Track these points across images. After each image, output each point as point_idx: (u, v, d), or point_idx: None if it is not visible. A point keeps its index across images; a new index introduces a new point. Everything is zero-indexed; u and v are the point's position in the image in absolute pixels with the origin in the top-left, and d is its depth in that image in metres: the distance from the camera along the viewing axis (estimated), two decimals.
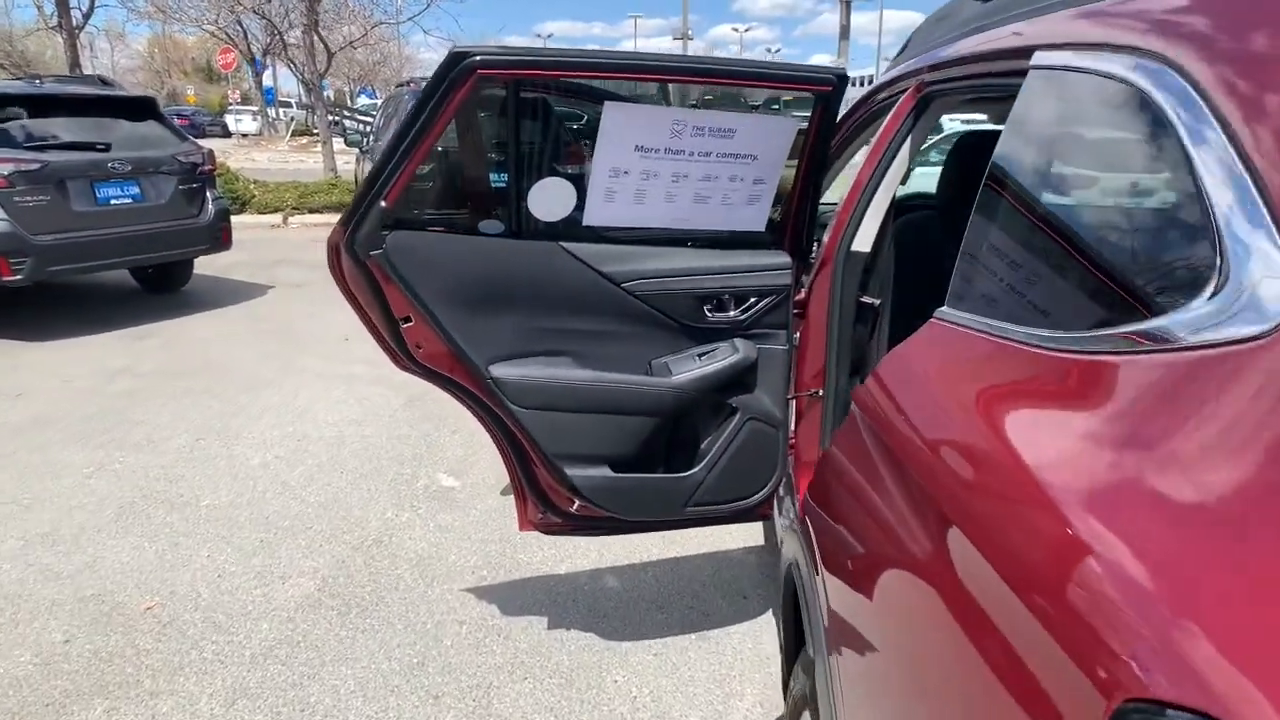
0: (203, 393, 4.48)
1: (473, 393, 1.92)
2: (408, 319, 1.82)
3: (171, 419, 4.11)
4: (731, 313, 1.98)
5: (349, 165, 12.86)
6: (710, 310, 1.97)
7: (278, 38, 15.56)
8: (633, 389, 1.90)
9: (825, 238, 2.13)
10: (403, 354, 1.88)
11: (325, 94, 15.96)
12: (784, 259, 1.99)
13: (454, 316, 1.79)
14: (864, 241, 2.05)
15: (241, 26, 23.49)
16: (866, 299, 2.13)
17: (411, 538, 3.04)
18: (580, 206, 1.81)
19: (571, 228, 1.83)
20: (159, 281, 6.63)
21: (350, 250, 1.72)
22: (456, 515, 3.20)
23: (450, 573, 2.81)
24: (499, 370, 1.84)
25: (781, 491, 2.19)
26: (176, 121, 6.50)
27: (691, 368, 1.95)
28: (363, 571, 2.81)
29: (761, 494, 2.13)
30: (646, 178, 1.79)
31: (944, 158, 2.60)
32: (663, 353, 1.99)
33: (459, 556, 2.91)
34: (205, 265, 6.86)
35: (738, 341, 1.99)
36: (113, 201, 5.47)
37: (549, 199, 1.79)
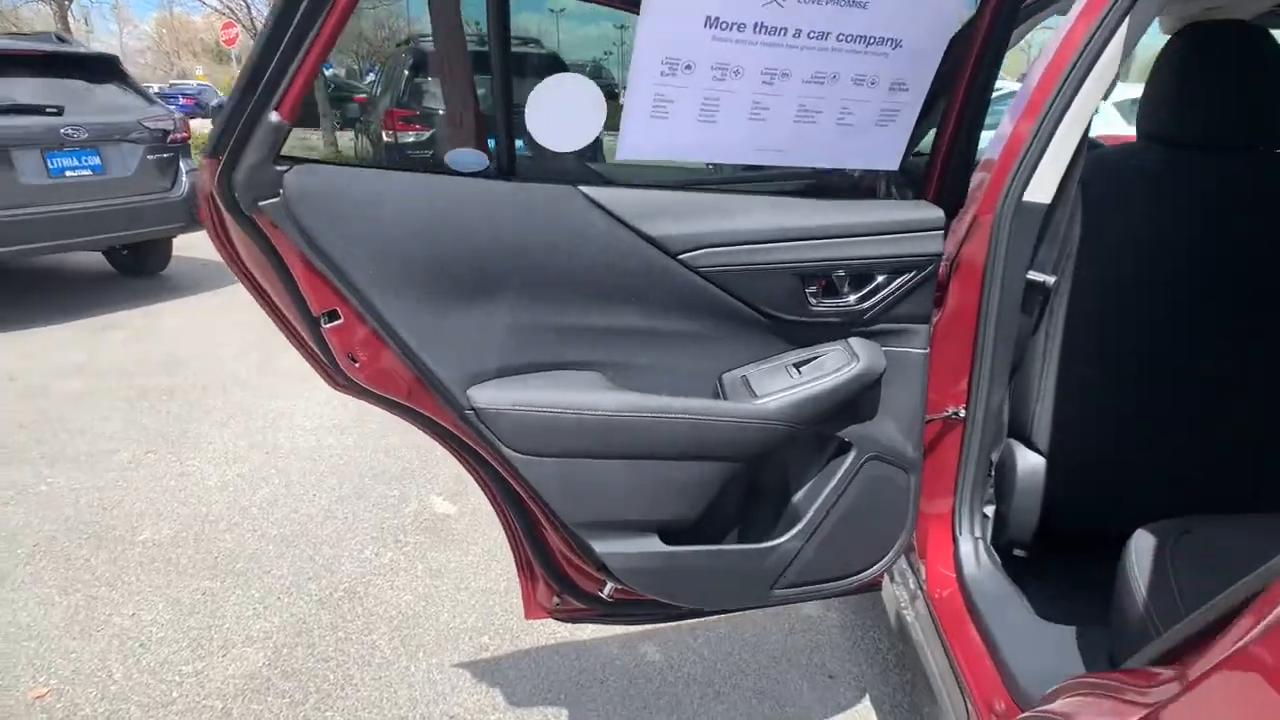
0: (163, 394, 3.84)
1: (446, 430, 1.24)
2: (334, 314, 1.13)
3: (121, 427, 3.48)
4: (848, 299, 1.29)
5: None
6: (815, 296, 1.28)
7: None
8: (693, 423, 1.22)
9: (980, 183, 1.42)
10: (332, 369, 1.20)
11: (330, 71, 15.24)
12: (932, 214, 1.29)
13: (408, 309, 1.11)
14: (1042, 189, 1.35)
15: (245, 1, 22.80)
16: (1036, 275, 1.43)
17: (394, 586, 2.38)
18: (612, 128, 1.12)
19: (597, 163, 1.14)
20: (133, 265, 6.00)
21: (227, 199, 1.03)
22: (452, 554, 2.54)
23: (441, 639, 2.15)
24: (484, 395, 1.16)
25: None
26: (182, 100, 5.80)
27: (784, 386, 1.27)
28: (328, 637, 2.16)
29: (882, 564, 1.44)
30: (721, 76, 1.10)
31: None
32: (739, 362, 1.31)
33: (453, 615, 2.25)
34: (188, 247, 6.21)
35: (856, 344, 1.30)
36: (68, 174, 4.82)
37: (561, 114, 1.10)
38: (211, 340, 4.65)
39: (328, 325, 1.14)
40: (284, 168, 1.04)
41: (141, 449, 3.28)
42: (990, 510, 1.58)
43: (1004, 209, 1.36)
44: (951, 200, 1.34)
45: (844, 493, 1.36)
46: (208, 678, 2.02)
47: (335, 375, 1.21)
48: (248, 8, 24.33)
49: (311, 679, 2.01)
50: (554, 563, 1.42)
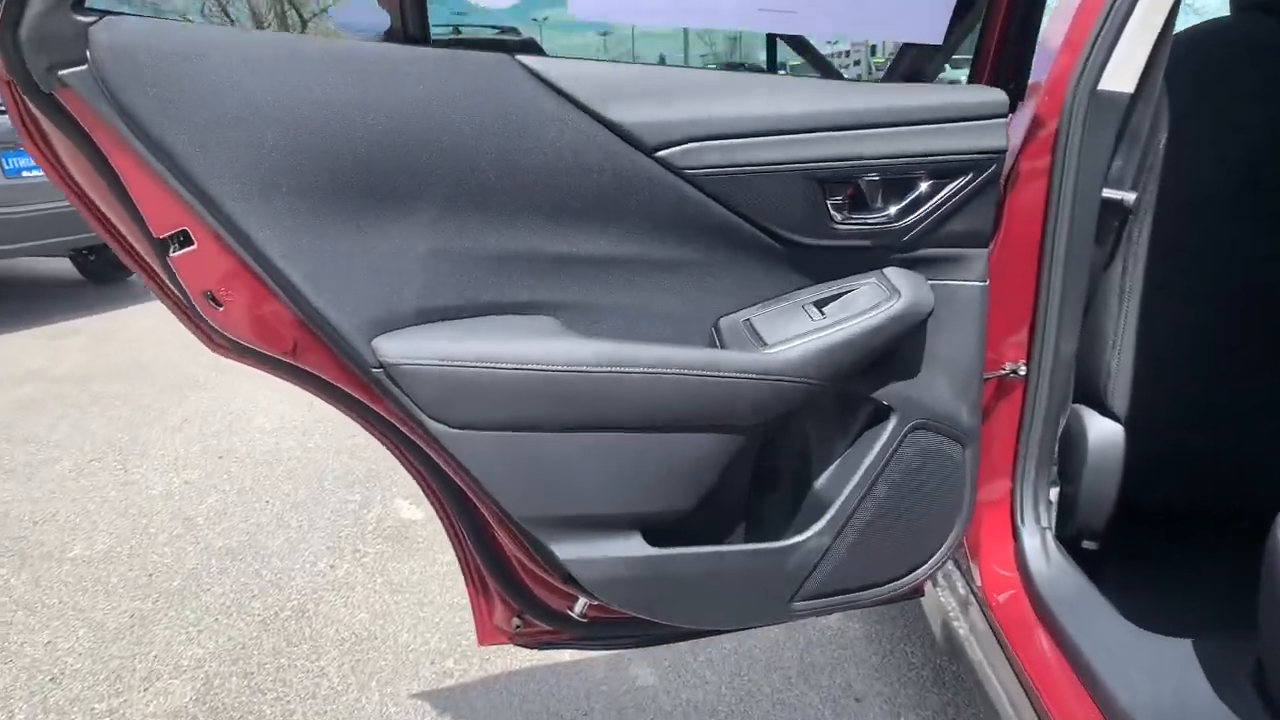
0: (116, 398, 3.54)
1: (348, 395, 0.93)
2: (184, 236, 0.83)
3: (68, 434, 3.18)
4: (884, 213, 0.99)
5: None
6: (839, 210, 0.98)
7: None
8: (680, 380, 0.92)
9: (1042, 71, 1.12)
10: (191, 313, 0.90)
11: None
12: (993, 98, 0.99)
13: (285, 227, 0.81)
14: (1121, 76, 1.05)
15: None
16: (1113, 193, 1.13)
17: (348, 603, 2.07)
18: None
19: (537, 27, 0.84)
20: (103, 270, 5.70)
21: (17, 70, 0.74)
22: (416, 565, 2.23)
23: (399, 664, 1.84)
24: (396, 347, 0.86)
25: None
26: None
27: (802, 331, 0.97)
28: (269, 665, 1.85)
29: (931, 563, 1.13)
30: None
31: None
32: (742, 301, 1.01)
33: (413, 635, 1.95)
34: None
35: (894, 275, 1.00)
36: (25, 174, 4.54)
37: None
38: (174, 344, 4.35)
39: (176, 253, 0.84)
40: (89, 19, 0.74)
41: (85, 457, 2.98)
42: (1054, 493, 1.28)
43: (1073, 103, 1.06)
44: (1008, 90, 1.04)
45: (882, 472, 1.05)
46: (123, 717, 1.71)
47: (196, 321, 0.91)
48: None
49: (245, 716, 1.70)
50: (511, 573, 1.11)
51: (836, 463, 1.08)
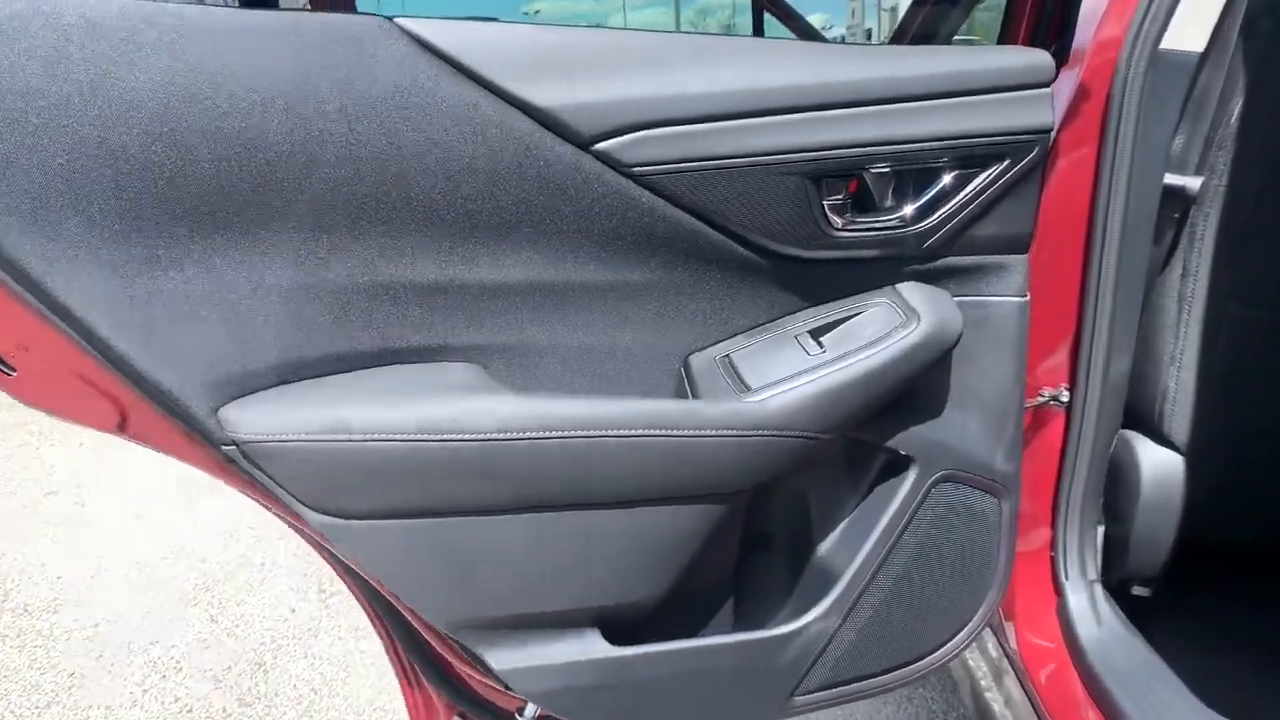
0: (77, 427, 3.34)
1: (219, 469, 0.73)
2: None
3: (23, 465, 2.99)
4: (897, 213, 0.79)
5: None
6: (838, 211, 0.78)
7: None
8: (642, 444, 0.72)
9: (1089, 25, 0.91)
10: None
11: None
12: (1037, 61, 0.78)
13: (86, 262, 0.61)
14: (1189, 33, 0.85)
15: None
16: (1174, 179, 0.92)
17: (309, 653, 1.88)
18: None
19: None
20: None
21: None
22: None
23: None
24: (250, 417, 0.67)
25: None
26: None
27: (794, 370, 0.78)
28: None
29: (959, 639, 0.93)
30: None
31: None
32: (715, 332, 0.81)
33: (376, 690, 1.75)
34: None
35: (911, 292, 0.81)
36: None
37: None
38: None
39: None
40: None
41: (41, 491, 2.79)
42: (1099, 531, 1.08)
43: (1129, 66, 0.85)
44: (1047, 51, 0.83)
45: (901, 536, 0.85)
46: None
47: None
48: None
49: None
50: (446, 669, 0.91)
51: (843, 526, 0.88)
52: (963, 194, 0.78)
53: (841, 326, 0.79)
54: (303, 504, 0.67)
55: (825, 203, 0.76)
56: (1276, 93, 0.93)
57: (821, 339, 0.79)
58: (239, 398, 0.66)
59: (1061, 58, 0.85)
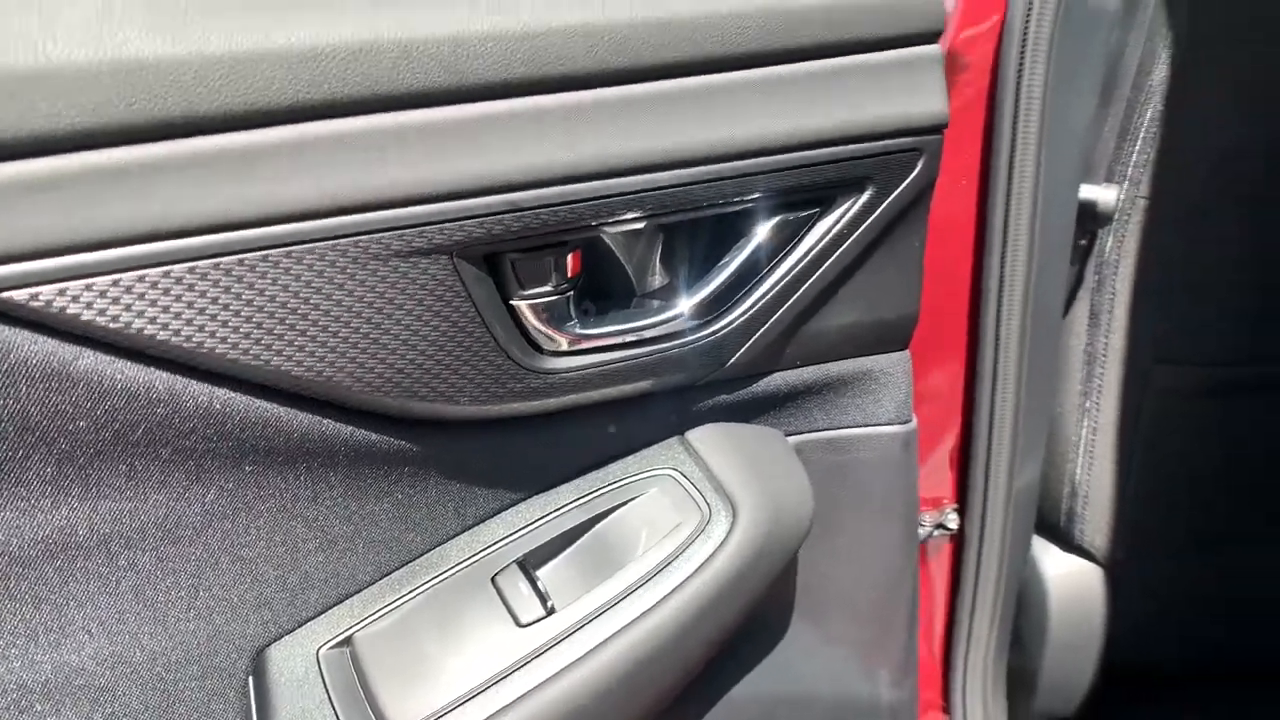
0: None
1: None
2: None
3: None
4: (682, 300, 0.49)
5: None
6: (549, 320, 0.46)
7: None
8: None
9: None
10: None
11: None
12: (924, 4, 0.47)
13: None
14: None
15: None
16: (1085, 191, 0.63)
17: None
18: None
19: None
20: None
21: None
22: None
23: None
24: None
25: None
26: None
27: (480, 681, 0.44)
28: None
29: None
30: None
31: None
32: (302, 594, 0.48)
33: None
34: None
35: (712, 449, 0.51)
36: None
37: None
38: None
39: None
40: None
41: None
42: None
43: (1030, 14, 0.54)
44: None
45: None
46: None
47: None
48: None
49: None
50: None
51: None
52: (794, 258, 0.48)
53: (580, 544, 0.48)
54: None
55: (519, 305, 0.43)
56: (1214, 56, 0.65)
57: (542, 578, 0.46)
58: None
59: None
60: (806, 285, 0.49)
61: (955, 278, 0.64)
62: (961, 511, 0.69)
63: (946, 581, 0.73)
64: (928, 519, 0.70)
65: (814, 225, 0.48)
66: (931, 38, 0.47)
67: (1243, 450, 0.76)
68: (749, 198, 0.46)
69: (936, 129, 0.48)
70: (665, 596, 0.45)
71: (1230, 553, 0.78)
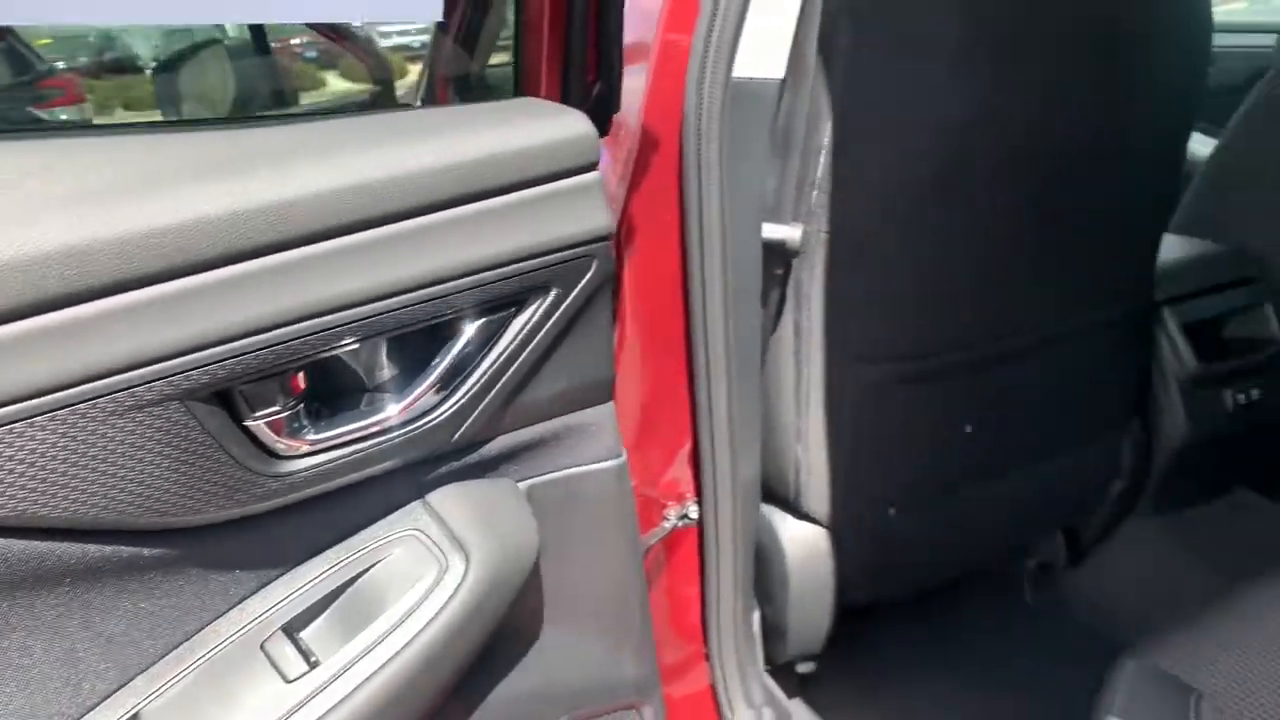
0: None
1: None
2: None
3: None
4: (406, 397, 0.58)
5: None
6: (284, 431, 0.53)
7: None
8: None
9: (638, 73, 0.70)
10: None
11: None
12: (563, 131, 0.58)
13: None
14: (765, 57, 0.70)
15: None
16: (774, 230, 0.78)
17: None
18: None
19: None
20: None
21: None
22: None
23: None
24: None
25: None
26: None
27: None
28: None
29: None
30: None
31: None
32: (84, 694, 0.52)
33: None
34: None
35: (451, 506, 0.60)
36: None
37: None
38: None
39: None
40: None
41: None
42: (756, 618, 0.96)
43: (702, 103, 0.66)
44: (589, 102, 0.62)
45: None
46: None
47: None
48: None
49: None
50: None
51: None
52: (500, 347, 0.58)
53: (337, 605, 0.55)
54: None
55: (252, 425, 0.48)
56: (866, 115, 0.79)
57: (305, 638, 0.54)
58: None
59: (608, 105, 0.64)
60: (515, 366, 0.59)
61: (671, 311, 0.77)
62: (700, 502, 0.84)
63: (696, 560, 0.87)
64: (673, 512, 0.84)
65: (513, 321, 0.58)
66: (590, 167, 0.57)
67: (927, 427, 0.95)
68: (456, 309, 0.56)
69: (603, 238, 0.58)
70: (413, 638, 0.55)
71: (920, 507, 0.97)
